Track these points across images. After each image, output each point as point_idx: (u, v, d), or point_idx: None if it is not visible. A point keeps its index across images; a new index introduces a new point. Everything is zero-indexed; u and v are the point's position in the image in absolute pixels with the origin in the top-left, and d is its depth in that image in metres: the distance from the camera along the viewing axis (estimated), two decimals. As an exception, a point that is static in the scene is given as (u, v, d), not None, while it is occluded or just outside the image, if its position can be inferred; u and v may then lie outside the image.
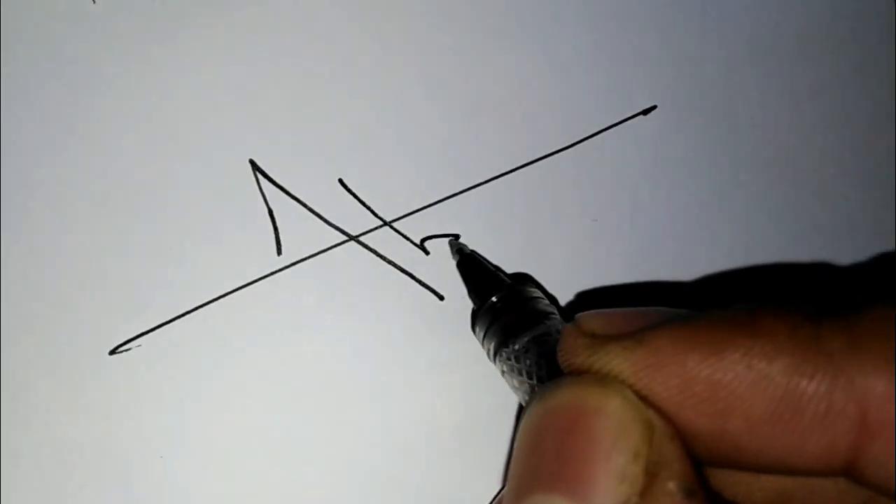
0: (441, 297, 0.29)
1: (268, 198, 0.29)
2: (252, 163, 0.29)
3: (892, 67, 0.32)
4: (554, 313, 0.25)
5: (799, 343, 0.14)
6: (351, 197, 0.29)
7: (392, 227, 0.29)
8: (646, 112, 0.31)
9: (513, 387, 0.25)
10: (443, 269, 0.29)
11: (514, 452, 0.16)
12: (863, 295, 0.15)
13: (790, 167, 0.31)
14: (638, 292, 0.30)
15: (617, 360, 0.16)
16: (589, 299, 0.29)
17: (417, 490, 0.28)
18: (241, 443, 0.28)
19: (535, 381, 0.23)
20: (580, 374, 0.17)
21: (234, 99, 0.29)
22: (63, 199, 0.28)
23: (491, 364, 0.29)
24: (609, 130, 0.31)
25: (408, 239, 0.29)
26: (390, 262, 0.29)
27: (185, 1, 0.29)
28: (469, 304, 0.29)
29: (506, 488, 0.16)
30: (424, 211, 0.29)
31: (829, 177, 0.32)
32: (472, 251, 0.28)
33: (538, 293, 0.26)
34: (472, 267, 0.28)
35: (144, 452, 0.27)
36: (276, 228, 0.29)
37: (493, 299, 0.26)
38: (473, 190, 0.30)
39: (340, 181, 0.29)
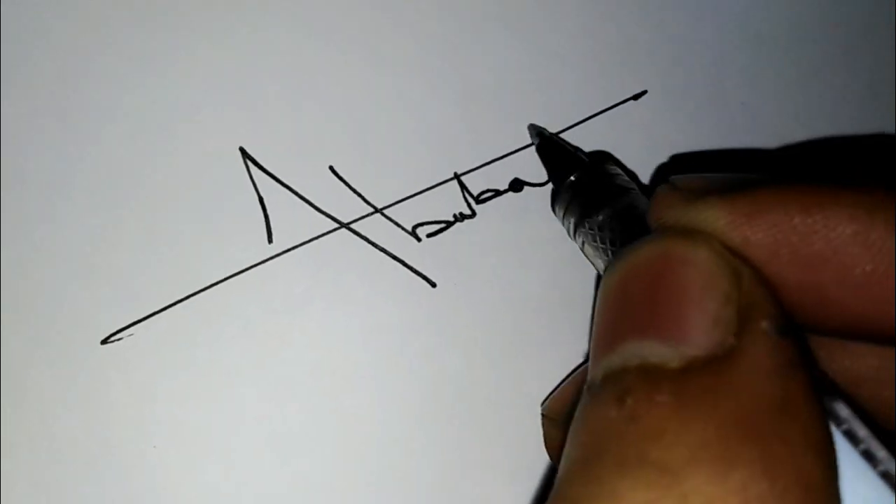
0: (433, 284, 0.29)
1: (258, 185, 0.28)
2: (242, 150, 0.28)
3: (888, 50, 0.32)
4: (634, 188, 0.26)
5: None
6: (342, 184, 0.29)
7: (383, 215, 0.29)
8: (636, 97, 0.31)
9: (593, 259, 0.25)
10: (435, 255, 0.29)
11: (599, 306, 0.16)
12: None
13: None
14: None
15: (713, 210, 0.16)
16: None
17: (411, 479, 0.28)
18: (234, 431, 0.28)
19: (618, 248, 0.23)
20: (662, 229, 0.17)
21: (224, 87, 0.28)
22: (52, 188, 0.28)
23: (483, 351, 0.29)
24: (599, 115, 0.31)
25: (399, 226, 0.29)
26: (382, 250, 0.29)
27: (171, -13, 0.28)
28: (462, 294, 0.29)
29: (592, 341, 0.16)
30: (416, 198, 0.29)
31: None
32: (552, 134, 0.29)
33: (617, 169, 0.26)
34: (552, 148, 0.28)
35: (138, 442, 0.27)
36: (266, 216, 0.28)
37: (572, 177, 0.26)
38: (464, 176, 0.30)
39: (331, 168, 0.29)
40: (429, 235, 0.29)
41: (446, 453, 0.29)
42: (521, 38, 0.30)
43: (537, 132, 0.29)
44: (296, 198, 0.29)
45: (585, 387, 0.16)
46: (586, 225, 0.25)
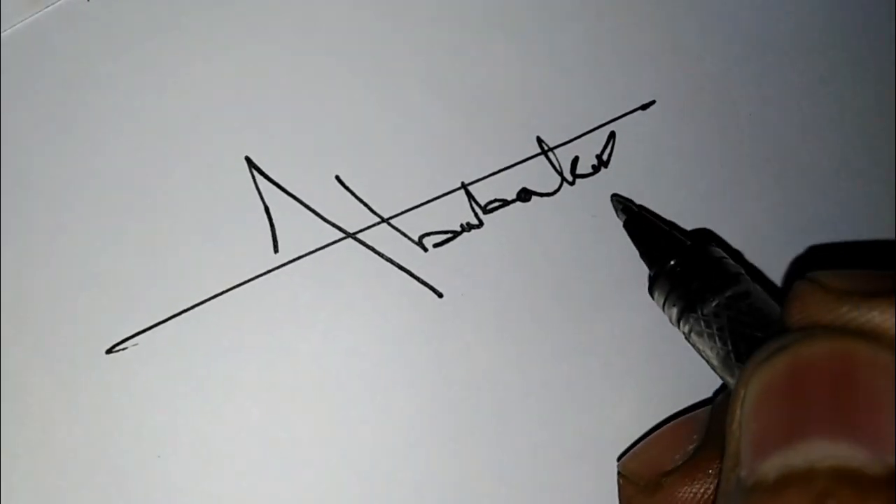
0: (440, 295, 0.29)
1: (264, 195, 0.28)
2: (248, 160, 0.28)
3: (893, 62, 0.32)
4: (743, 273, 0.25)
5: None
6: (348, 194, 0.29)
7: (390, 224, 0.29)
8: (645, 107, 0.31)
9: (702, 352, 0.24)
10: (442, 265, 0.29)
11: (757, 399, 0.15)
12: None
13: (789, 163, 0.31)
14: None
15: (882, 318, 0.15)
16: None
17: (415, 489, 0.28)
18: (238, 442, 0.27)
19: (730, 346, 0.22)
20: (828, 328, 0.16)
21: (230, 95, 0.28)
22: (58, 197, 0.27)
23: (490, 361, 0.29)
24: (607, 125, 0.30)
25: (406, 236, 0.29)
26: (388, 260, 0.29)
27: (178, -6, 0.28)
28: (469, 304, 0.29)
29: (752, 435, 0.15)
30: (423, 207, 0.29)
31: (828, 173, 0.32)
32: (641, 207, 0.27)
33: (721, 252, 0.25)
34: (644, 227, 0.26)
35: (142, 452, 0.27)
36: (272, 226, 0.28)
37: (672, 262, 0.25)
38: (471, 186, 0.29)
39: (337, 178, 0.29)
40: (435, 245, 0.29)
41: (452, 464, 0.28)
42: (528, 48, 0.30)
43: (622, 206, 0.27)
44: (302, 207, 0.28)
45: (733, 480, 0.15)
46: (694, 315, 0.24)
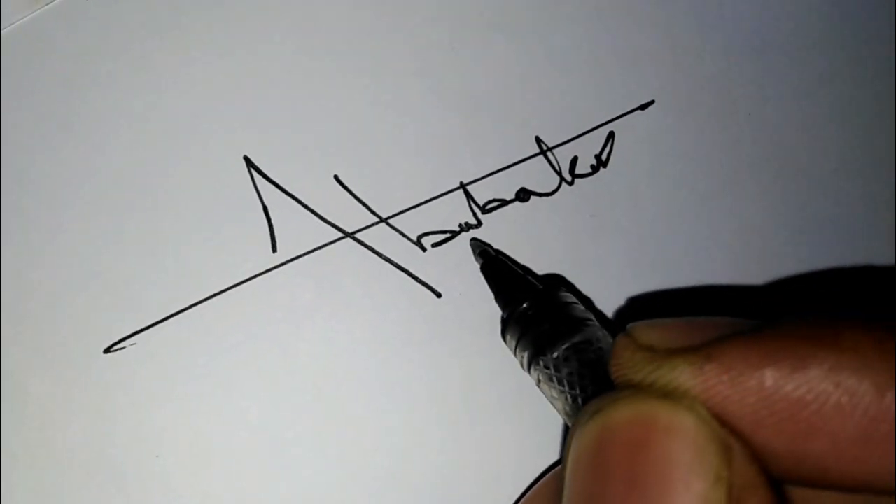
0: (438, 294, 0.29)
1: (263, 194, 0.28)
2: (246, 159, 0.28)
3: (892, 61, 0.32)
4: (591, 319, 0.24)
5: (887, 357, 0.13)
6: (347, 193, 0.29)
7: (388, 224, 0.29)
8: (644, 107, 0.31)
9: (551, 398, 0.24)
10: (440, 265, 0.29)
11: (571, 469, 0.15)
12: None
13: (789, 162, 0.31)
14: (678, 299, 0.29)
15: (685, 377, 0.14)
16: (632, 309, 0.29)
17: (415, 488, 0.28)
18: (237, 441, 0.28)
19: (577, 391, 0.22)
20: (637, 388, 0.15)
21: (228, 95, 0.28)
22: (56, 196, 0.27)
23: (488, 361, 0.29)
24: (606, 125, 0.30)
25: (404, 236, 0.29)
26: (387, 259, 0.29)
27: (176, -7, 0.28)
28: (467, 304, 0.29)
29: None
30: (421, 207, 0.29)
31: (828, 172, 0.32)
32: (498, 252, 0.27)
33: (572, 297, 0.25)
34: (499, 271, 0.26)
35: (140, 451, 0.27)
36: (271, 225, 0.28)
37: (525, 306, 0.25)
38: (470, 186, 0.29)
39: (336, 177, 0.29)
40: (434, 245, 0.29)
41: (450, 463, 0.28)
42: (527, 48, 0.30)
43: (480, 251, 0.27)
44: (300, 207, 0.28)
45: None
46: (541, 362, 0.24)
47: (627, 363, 0.16)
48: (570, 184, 0.30)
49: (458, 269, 0.29)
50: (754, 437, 0.14)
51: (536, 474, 0.29)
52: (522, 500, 0.26)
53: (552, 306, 0.24)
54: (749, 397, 0.14)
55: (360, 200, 0.29)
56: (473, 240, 0.28)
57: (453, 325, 0.29)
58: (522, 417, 0.29)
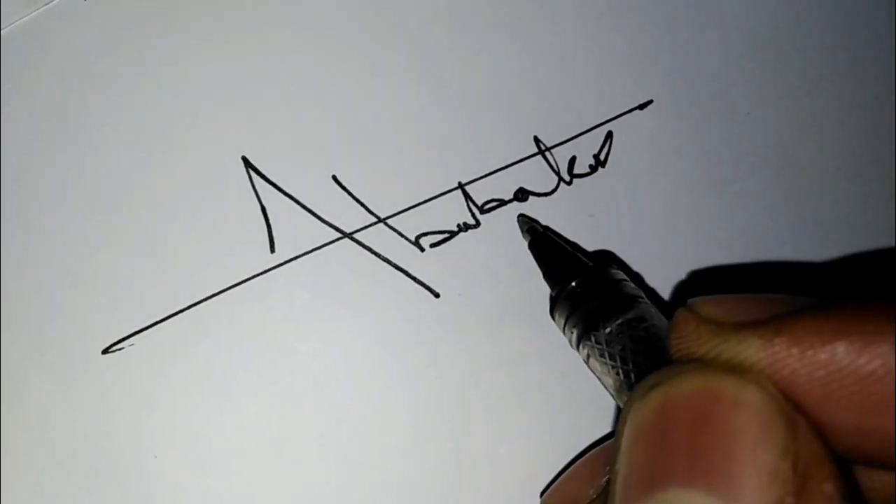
0: (436, 295, 0.29)
1: (261, 195, 0.28)
2: (244, 160, 0.28)
3: (892, 60, 0.32)
4: (642, 297, 0.24)
5: None
6: (345, 193, 0.29)
7: (387, 224, 0.29)
8: (642, 106, 0.30)
9: (600, 374, 0.24)
10: (438, 266, 0.29)
11: (630, 440, 0.15)
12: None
13: (787, 161, 0.31)
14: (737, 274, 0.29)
15: (753, 349, 0.14)
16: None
17: (412, 488, 0.28)
18: (235, 441, 0.28)
19: (630, 367, 0.22)
20: (700, 362, 0.15)
21: (227, 95, 0.28)
22: (55, 196, 0.27)
23: (487, 361, 0.29)
24: (605, 125, 0.30)
25: (403, 236, 0.29)
26: (385, 260, 0.29)
27: (174, -6, 0.28)
28: (466, 304, 0.29)
29: (623, 479, 0.15)
30: (419, 207, 0.29)
31: (827, 171, 0.32)
32: (546, 228, 0.27)
33: (622, 275, 0.25)
34: (548, 247, 0.26)
35: (139, 452, 0.27)
36: (269, 226, 0.28)
37: (574, 283, 0.24)
38: (468, 186, 0.29)
39: (334, 178, 0.29)
40: (432, 245, 0.29)
41: (449, 463, 0.28)
42: (526, 47, 0.30)
43: (528, 227, 0.27)
44: (298, 207, 0.28)
45: None
46: (592, 338, 0.23)
47: (691, 336, 0.16)
48: (569, 184, 0.30)
49: (456, 269, 0.29)
50: (822, 412, 0.14)
51: (536, 472, 0.29)
52: (559, 479, 0.26)
53: (603, 283, 0.24)
54: (818, 371, 0.14)
55: (358, 201, 0.29)
56: (521, 216, 0.27)
57: (452, 325, 0.29)
58: (522, 417, 0.29)
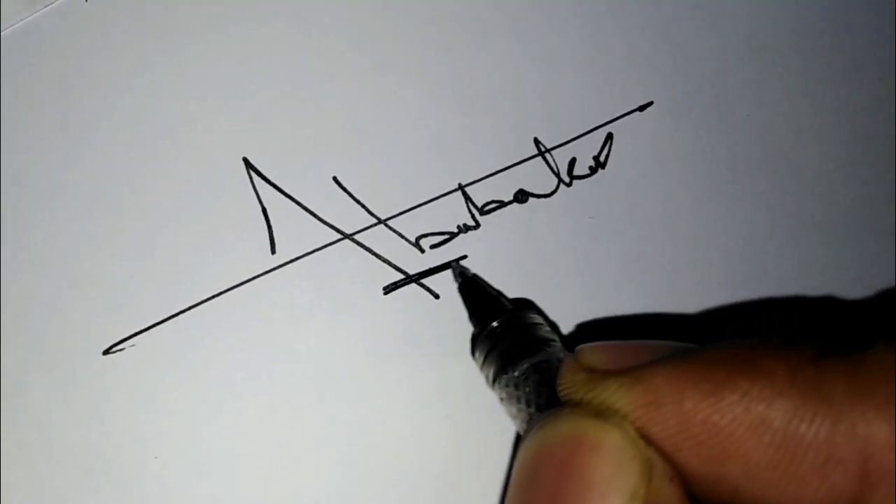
0: (436, 296, 0.29)
1: (261, 196, 0.28)
2: (245, 161, 0.28)
3: (891, 62, 0.32)
4: (554, 340, 0.25)
5: (799, 385, 0.14)
6: (345, 195, 0.29)
7: (387, 226, 0.29)
8: (642, 108, 0.31)
9: (511, 415, 0.25)
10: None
11: (511, 483, 0.16)
12: (865, 330, 0.14)
13: (787, 163, 0.31)
14: (646, 323, 0.30)
15: (615, 397, 0.15)
16: (591, 330, 0.29)
17: (411, 490, 0.28)
18: (235, 443, 0.28)
19: (533, 409, 0.23)
20: (574, 406, 0.16)
21: (227, 97, 0.28)
22: (55, 198, 0.27)
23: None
24: (604, 126, 0.30)
25: (403, 237, 0.29)
26: (385, 261, 0.29)
27: (175, -5, 0.28)
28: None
29: None
30: (420, 209, 0.29)
31: (827, 172, 0.32)
32: (474, 275, 0.28)
33: (539, 319, 0.26)
34: (474, 291, 0.27)
35: (139, 453, 0.27)
36: (269, 227, 0.28)
37: (494, 324, 0.26)
38: (468, 187, 0.29)
39: (335, 179, 0.29)
40: (432, 247, 0.29)
41: (449, 464, 0.29)
42: (526, 49, 0.30)
43: (460, 271, 0.28)
44: (299, 208, 0.28)
45: None
46: (502, 380, 0.24)
47: (570, 382, 0.17)
48: (569, 185, 0.30)
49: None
50: (675, 458, 0.15)
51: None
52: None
53: (518, 326, 0.25)
54: (670, 420, 0.15)
55: (358, 202, 0.29)
56: (454, 263, 0.29)
57: (451, 326, 0.29)
58: (521, 418, 0.29)
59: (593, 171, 0.30)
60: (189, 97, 0.28)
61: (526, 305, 0.29)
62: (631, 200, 0.30)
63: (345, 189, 0.29)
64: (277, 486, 0.28)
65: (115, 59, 0.28)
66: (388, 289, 0.28)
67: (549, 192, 0.30)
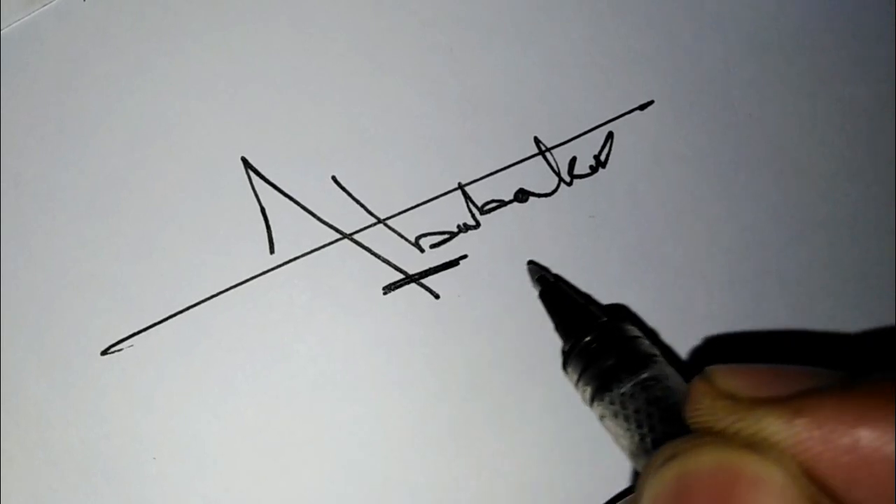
0: (436, 296, 0.29)
1: (260, 196, 0.28)
2: (244, 160, 0.28)
3: (892, 61, 0.32)
4: (657, 355, 0.23)
5: None
6: (344, 194, 0.29)
7: (386, 225, 0.29)
8: (643, 107, 0.30)
9: (615, 434, 0.23)
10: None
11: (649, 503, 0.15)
12: None
13: (788, 162, 0.31)
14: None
15: (773, 429, 0.14)
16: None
17: (411, 490, 0.28)
18: (234, 443, 0.27)
19: (645, 430, 0.21)
20: (719, 435, 0.15)
21: (226, 96, 0.28)
22: (54, 197, 0.27)
23: (486, 365, 0.29)
24: (605, 125, 0.30)
25: (403, 237, 0.29)
26: (385, 261, 0.29)
27: (173, -6, 0.28)
28: (466, 305, 0.28)
29: None
30: (419, 208, 0.29)
31: (828, 172, 0.31)
32: (556, 277, 0.26)
33: (636, 331, 0.24)
34: (560, 299, 0.25)
35: (137, 454, 0.27)
36: (268, 226, 0.28)
37: (588, 338, 0.24)
38: (468, 187, 0.29)
39: (334, 178, 0.29)
40: (432, 246, 0.29)
41: (449, 466, 0.28)
42: (526, 48, 0.30)
43: (538, 276, 0.26)
44: (298, 208, 0.28)
45: None
46: (606, 398, 0.23)
47: (708, 409, 0.16)
48: (569, 184, 0.30)
49: (456, 270, 0.29)
50: (848, 496, 0.14)
51: (534, 474, 0.29)
52: None
53: (618, 340, 0.24)
54: (843, 456, 0.13)
55: (357, 202, 0.29)
56: (531, 263, 0.27)
57: (451, 326, 0.29)
58: (521, 417, 0.29)
59: (594, 170, 0.30)
60: (188, 97, 0.28)
61: (621, 314, 0.27)
62: (632, 200, 0.30)
63: (344, 188, 0.29)
64: (276, 487, 0.28)
65: (113, 58, 0.28)
66: (388, 289, 0.28)
67: (549, 191, 0.30)
